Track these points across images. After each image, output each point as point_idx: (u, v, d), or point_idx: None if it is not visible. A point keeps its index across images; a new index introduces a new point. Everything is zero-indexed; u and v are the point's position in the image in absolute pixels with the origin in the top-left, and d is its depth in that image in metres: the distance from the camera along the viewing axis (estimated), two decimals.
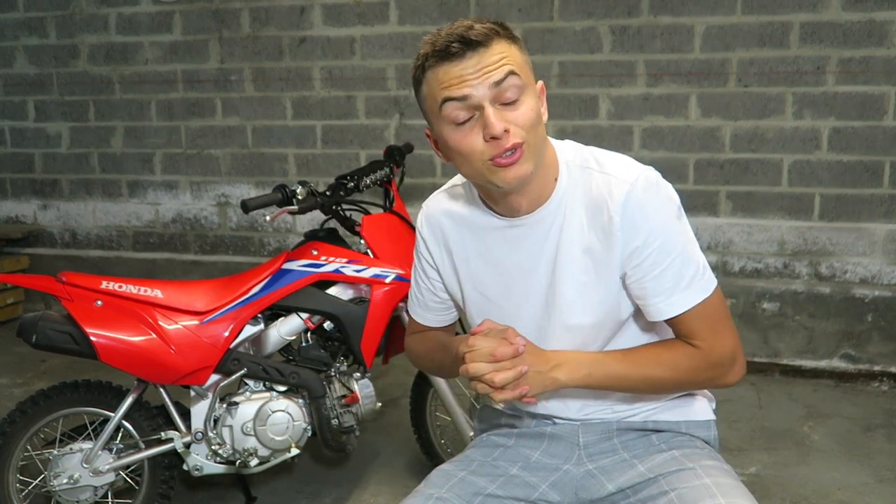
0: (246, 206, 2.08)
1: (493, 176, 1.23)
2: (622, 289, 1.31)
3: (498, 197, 1.32)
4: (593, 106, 3.72)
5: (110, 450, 2.27)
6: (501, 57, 1.19)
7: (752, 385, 3.51)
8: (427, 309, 1.55)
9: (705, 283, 1.29)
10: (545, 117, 1.27)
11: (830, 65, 3.44)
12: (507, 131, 1.19)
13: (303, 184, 2.21)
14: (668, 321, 1.30)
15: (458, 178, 1.45)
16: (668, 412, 1.43)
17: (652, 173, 1.28)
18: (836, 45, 3.42)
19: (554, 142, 1.36)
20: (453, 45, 1.17)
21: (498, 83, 1.18)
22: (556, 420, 1.45)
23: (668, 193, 1.29)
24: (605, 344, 1.37)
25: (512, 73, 1.19)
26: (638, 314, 1.36)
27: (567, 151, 1.34)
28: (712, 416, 1.47)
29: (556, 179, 1.32)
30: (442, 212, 1.44)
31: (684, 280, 1.27)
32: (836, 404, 3.30)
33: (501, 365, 1.21)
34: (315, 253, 2.28)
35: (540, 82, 1.29)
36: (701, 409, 1.46)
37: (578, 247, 1.30)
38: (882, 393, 3.45)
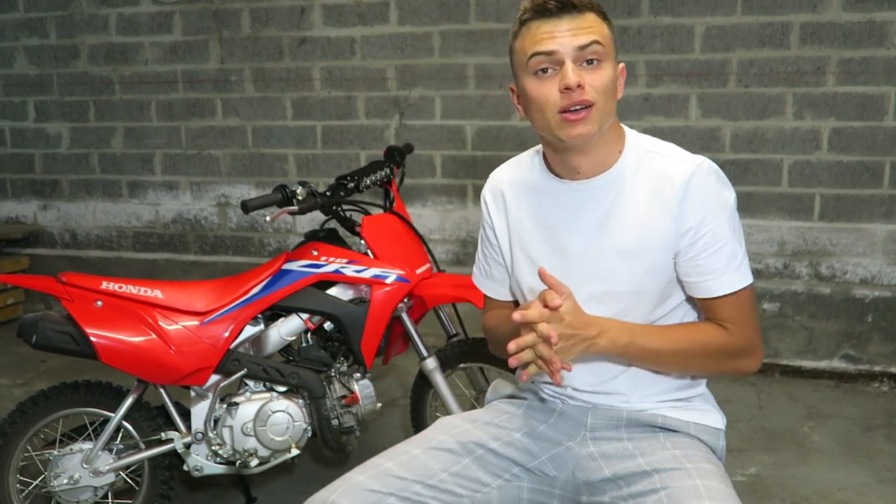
0: (246, 207, 2.08)
1: (560, 130, 1.31)
2: (670, 265, 1.37)
3: (561, 152, 1.38)
4: None
5: (110, 450, 2.26)
6: (591, 25, 1.29)
7: (753, 385, 3.51)
8: (493, 280, 1.58)
9: (748, 272, 1.38)
10: (620, 93, 1.37)
11: (830, 65, 3.44)
12: (580, 87, 1.27)
13: (303, 184, 2.21)
14: (710, 302, 1.37)
15: (523, 153, 1.54)
16: (680, 411, 1.43)
17: (713, 164, 1.37)
18: (836, 46, 3.42)
19: (626, 128, 1.44)
20: (550, 3, 1.28)
21: (583, 47, 1.27)
22: (569, 400, 1.47)
23: (727, 183, 1.38)
24: (641, 319, 1.40)
25: (597, 42, 1.28)
26: (675, 298, 1.42)
27: (638, 136, 1.43)
28: (722, 427, 1.47)
29: (620, 152, 1.39)
30: (505, 176, 1.53)
31: (734, 263, 1.35)
32: (837, 405, 3.30)
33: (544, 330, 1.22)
34: (315, 253, 2.28)
35: (622, 64, 1.39)
36: (713, 417, 1.47)
37: (633, 218, 1.36)
38: (882, 393, 3.45)
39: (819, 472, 2.70)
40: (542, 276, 1.27)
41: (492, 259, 1.57)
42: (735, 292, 1.35)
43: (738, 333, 1.37)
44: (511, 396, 1.58)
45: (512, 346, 1.24)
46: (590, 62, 1.29)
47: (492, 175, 1.57)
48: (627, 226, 1.36)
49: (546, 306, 1.24)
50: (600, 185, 1.38)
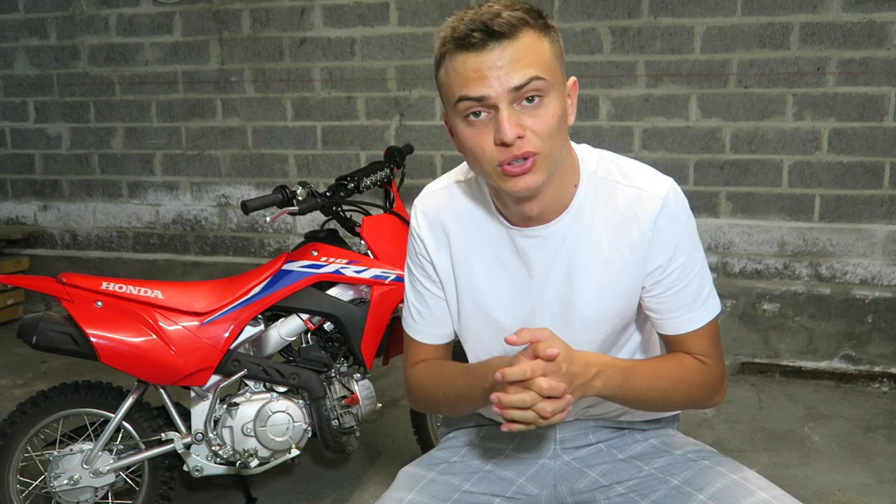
0: (246, 207, 2.08)
1: (502, 182, 1.14)
2: (635, 304, 1.28)
3: (509, 201, 1.22)
4: (593, 107, 3.72)
5: (110, 451, 2.26)
6: (525, 55, 1.07)
7: (753, 386, 3.51)
8: (436, 322, 1.36)
9: (715, 302, 1.29)
10: (571, 119, 1.18)
11: (831, 66, 3.44)
12: (520, 137, 1.09)
13: (303, 185, 2.21)
14: (678, 337, 1.28)
15: (462, 173, 1.34)
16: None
17: (676, 186, 1.25)
18: (836, 46, 3.42)
19: (575, 147, 1.26)
20: (474, 35, 1.07)
21: (518, 88, 1.08)
22: None
23: (688, 207, 1.26)
24: (599, 351, 1.32)
25: (535, 78, 1.08)
26: (630, 328, 1.34)
27: (590, 161, 1.26)
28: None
29: (575, 186, 1.23)
30: (444, 207, 1.32)
31: (701, 297, 1.26)
32: (837, 405, 3.30)
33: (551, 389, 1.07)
34: (315, 254, 2.28)
35: (571, 79, 1.18)
36: None
37: (597, 261, 1.24)
38: (882, 394, 3.45)
39: (819, 473, 2.70)
40: (514, 340, 1.09)
41: (430, 297, 1.34)
42: (703, 326, 1.26)
43: (713, 367, 1.28)
44: (467, 426, 1.47)
45: (514, 413, 1.07)
46: (530, 99, 1.10)
47: (422, 201, 1.34)
48: (593, 272, 1.24)
49: (537, 357, 1.08)
50: (558, 227, 1.23)
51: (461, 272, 1.31)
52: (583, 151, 1.28)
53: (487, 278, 1.29)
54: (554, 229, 1.24)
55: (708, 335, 1.27)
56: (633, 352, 1.37)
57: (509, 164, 1.12)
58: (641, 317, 1.33)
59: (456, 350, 1.42)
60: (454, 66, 1.10)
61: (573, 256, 1.24)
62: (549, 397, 1.07)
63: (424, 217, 1.33)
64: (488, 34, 1.07)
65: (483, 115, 1.11)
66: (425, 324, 1.37)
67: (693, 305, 1.25)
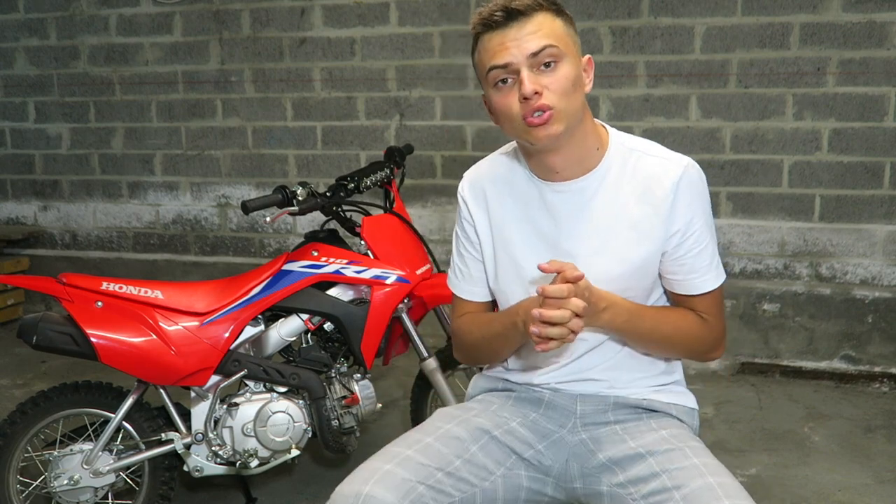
0: (246, 208, 2.08)
1: (527, 135, 1.32)
2: (657, 265, 1.42)
3: (536, 154, 1.39)
4: (593, 107, 3.72)
5: (111, 451, 2.26)
6: (540, 28, 1.29)
7: (753, 386, 3.51)
8: (473, 282, 1.55)
9: (722, 269, 1.46)
10: (588, 87, 1.37)
11: (831, 66, 3.44)
12: (538, 93, 1.28)
13: (303, 185, 2.21)
14: (690, 298, 1.43)
15: (506, 147, 1.54)
16: (661, 394, 1.49)
17: (695, 162, 1.42)
18: (836, 47, 3.42)
19: (602, 122, 1.45)
20: (496, 14, 1.30)
21: (535, 54, 1.28)
22: (555, 390, 1.49)
23: (705, 182, 1.43)
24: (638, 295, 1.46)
25: (549, 45, 1.29)
26: (655, 293, 1.47)
27: (621, 135, 1.44)
28: (697, 407, 1.55)
29: (598, 149, 1.40)
30: (485, 175, 1.51)
31: (715, 261, 1.43)
32: (837, 405, 3.30)
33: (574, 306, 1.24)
34: (315, 254, 2.28)
35: (587, 56, 1.39)
36: (688, 398, 1.54)
37: (624, 220, 1.38)
38: (882, 394, 3.45)
39: (819, 473, 2.70)
40: (545, 267, 1.26)
41: (470, 258, 1.54)
42: (715, 288, 1.43)
43: (714, 325, 1.45)
44: (495, 389, 1.58)
45: (551, 330, 1.23)
46: (547, 65, 1.30)
47: (469, 172, 1.56)
48: (620, 230, 1.39)
49: (567, 281, 1.25)
50: (586, 185, 1.40)
51: (497, 229, 1.49)
52: (611, 128, 1.46)
53: (519, 232, 1.46)
54: (582, 185, 1.40)
55: (714, 298, 1.44)
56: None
57: (532, 115, 1.30)
58: (658, 293, 1.48)
59: None
60: (483, 44, 1.34)
61: (600, 214, 1.40)
62: (577, 316, 1.25)
63: (469, 183, 1.53)
64: (508, 14, 1.29)
65: (509, 80, 1.32)
66: (465, 282, 1.56)
67: (709, 268, 1.42)
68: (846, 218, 3.54)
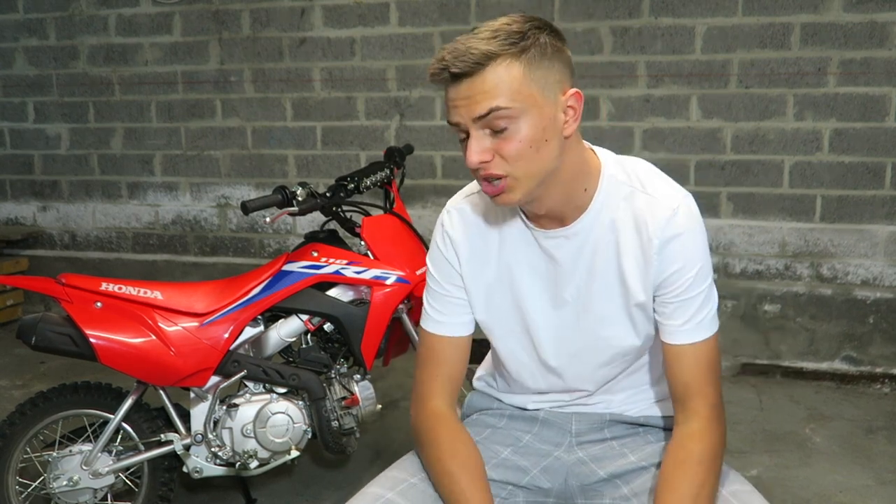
0: (246, 208, 2.08)
1: (489, 198, 1.24)
2: (651, 309, 1.31)
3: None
4: (594, 107, 3.72)
5: (110, 452, 2.26)
6: (492, 86, 1.13)
7: (753, 387, 3.51)
8: (452, 313, 1.41)
9: (713, 324, 1.30)
10: (569, 130, 1.20)
11: (832, 66, 3.44)
12: (486, 161, 1.18)
13: (303, 185, 2.21)
14: (670, 347, 1.29)
15: None
16: (660, 407, 1.45)
17: (691, 200, 1.28)
18: (837, 47, 3.42)
19: (597, 151, 1.32)
20: (442, 74, 1.16)
21: (480, 118, 1.15)
22: (550, 408, 1.46)
23: (702, 224, 1.29)
24: (631, 364, 1.38)
25: (496, 108, 1.14)
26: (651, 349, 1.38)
27: (610, 164, 1.30)
28: None
29: (585, 190, 1.27)
30: (470, 212, 1.38)
31: (703, 314, 1.28)
32: (838, 406, 3.30)
33: None
34: (315, 254, 2.27)
35: (571, 91, 1.20)
36: None
37: (615, 262, 1.29)
38: (884, 395, 3.45)
39: (820, 474, 2.70)
40: None
41: (453, 288, 1.40)
42: (694, 343, 1.28)
43: (708, 416, 1.27)
44: (489, 408, 1.54)
45: None
46: (497, 130, 1.16)
47: (452, 207, 1.41)
48: (612, 272, 1.30)
49: None
50: (578, 229, 1.29)
51: (482, 272, 1.37)
52: (604, 155, 1.32)
53: (508, 278, 1.36)
54: (575, 229, 1.29)
55: (697, 357, 1.28)
56: (641, 367, 1.41)
57: (484, 183, 1.21)
58: (657, 341, 1.35)
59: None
60: (445, 93, 1.20)
61: (594, 256, 1.30)
62: None
63: (451, 220, 1.40)
64: (452, 75, 1.15)
65: (465, 137, 1.20)
66: (448, 315, 1.41)
67: (692, 320, 1.27)
68: (847, 218, 3.54)
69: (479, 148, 1.17)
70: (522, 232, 1.35)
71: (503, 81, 1.14)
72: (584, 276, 1.31)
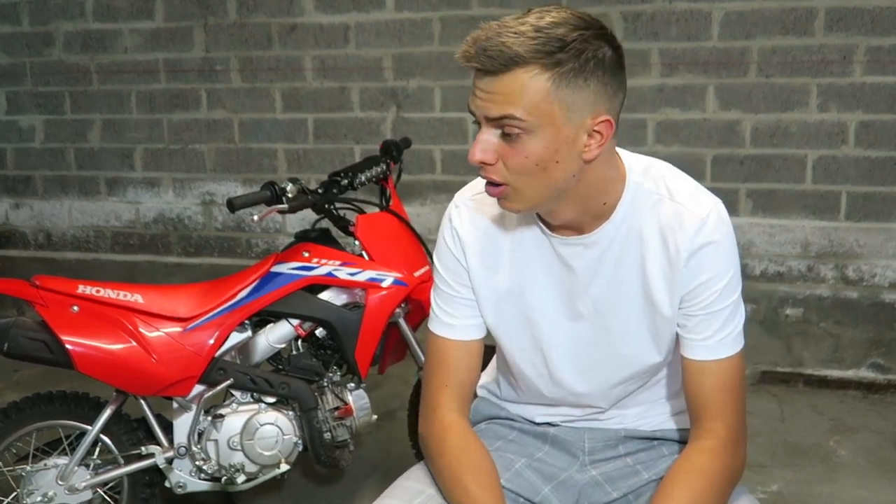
0: (232, 205, 2.08)
1: None
2: (672, 326, 1.31)
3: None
4: None
5: (87, 465, 2.27)
6: (511, 91, 1.12)
7: (774, 396, 3.51)
8: (468, 313, 1.40)
9: (738, 341, 1.30)
10: (589, 155, 1.18)
11: (858, 54, 3.44)
12: (489, 164, 1.18)
13: (293, 181, 2.21)
14: (690, 363, 1.29)
15: None
16: (676, 420, 1.45)
17: (722, 208, 1.28)
18: (863, 33, 3.42)
19: (624, 156, 1.30)
20: (471, 62, 1.14)
21: (492, 119, 1.16)
22: (561, 424, 1.47)
23: (733, 234, 1.28)
24: (648, 380, 1.39)
25: (510, 117, 1.13)
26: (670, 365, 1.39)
27: (636, 171, 1.29)
28: None
29: (605, 204, 1.26)
30: (480, 211, 1.37)
31: (726, 329, 1.28)
32: (865, 417, 3.30)
33: None
34: (306, 255, 2.28)
35: (603, 117, 1.17)
36: None
37: (638, 274, 1.29)
38: None
39: (845, 489, 2.70)
40: None
41: (460, 302, 1.39)
42: (717, 360, 1.28)
43: (726, 435, 1.27)
44: (498, 417, 1.55)
45: None
46: (508, 136, 1.16)
47: (462, 201, 1.39)
48: (633, 283, 1.29)
49: None
50: (598, 238, 1.28)
51: (494, 279, 1.37)
52: (630, 161, 1.31)
53: (523, 285, 1.35)
54: (595, 238, 1.28)
55: (721, 374, 1.28)
56: (658, 381, 1.42)
57: (485, 183, 1.22)
58: (677, 356, 1.36)
59: None
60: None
61: (616, 266, 1.29)
62: None
63: (460, 218, 1.38)
64: (482, 63, 1.13)
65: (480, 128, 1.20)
66: (460, 316, 1.39)
67: (716, 335, 1.27)
68: (874, 216, 3.54)
69: (484, 146, 1.18)
70: (537, 238, 1.33)
71: (524, 91, 1.12)
72: (603, 287, 1.31)
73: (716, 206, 1.27)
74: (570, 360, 1.37)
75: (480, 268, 1.37)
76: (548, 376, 1.40)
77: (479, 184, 1.37)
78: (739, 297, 1.29)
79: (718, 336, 1.27)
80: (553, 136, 1.15)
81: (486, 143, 1.17)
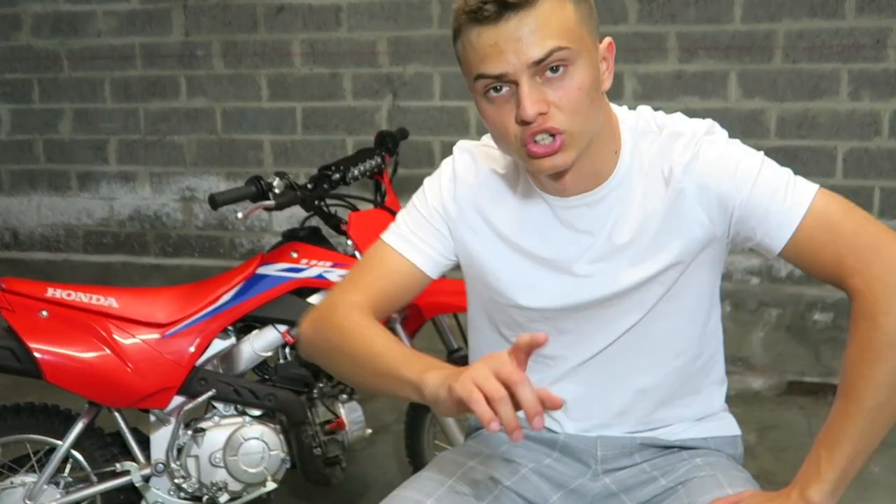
0: (214, 202, 2.09)
1: (527, 163, 1.24)
2: (678, 272, 1.31)
3: (541, 176, 1.31)
4: (618, 85, 3.72)
5: (57, 484, 2.27)
6: (546, 23, 1.13)
7: (802, 409, 3.51)
8: (423, 248, 1.41)
9: (807, 183, 1.27)
10: (607, 84, 1.25)
11: (892, 38, 3.44)
12: (543, 114, 1.16)
13: (280, 175, 2.22)
14: (790, 244, 1.24)
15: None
16: (695, 428, 1.46)
17: (712, 122, 1.32)
18: None
19: (617, 113, 1.34)
20: (486, 7, 1.13)
21: (538, 62, 1.14)
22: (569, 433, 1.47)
23: (725, 137, 1.32)
24: (651, 378, 1.40)
25: (557, 48, 1.14)
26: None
27: (628, 119, 1.33)
28: (739, 432, 1.52)
29: (616, 153, 1.30)
30: (486, 168, 1.39)
31: (790, 188, 1.24)
32: None
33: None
34: (295, 255, 2.28)
35: (606, 40, 1.25)
36: (728, 424, 1.50)
37: (639, 220, 1.30)
38: None
39: None
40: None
41: (431, 230, 1.41)
42: (806, 212, 1.22)
43: (860, 284, 1.20)
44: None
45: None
46: (554, 69, 1.15)
47: (467, 148, 1.43)
48: (634, 234, 1.30)
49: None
50: (603, 195, 1.31)
51: (491, 243, 1.38)
52: (621, 112, 1.35)
53: (519, 249, 1.37)
54: (599, 195, 1.30)
55: (821, 220, 1.23)
56: (675, 379, 1.42)
57: (534, 142, 1.18)
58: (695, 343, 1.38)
59: None
60: (470, 40, 1.18)
61: (618, 220, 1.31)
62: None
63: (465, 163, 1.41)
64: (502, 4, 1.12)
65: (504, 89, 1.18)
66: (411, 243, 1.40)
67: (783, 202, 1.23)
68: None
69: (535, 97, 1.15)
70: (540, 209, 1.35)
71: (561, 18, 1.15)
72: (605, 246, 1.32)
73: (705, 122, 1.32)
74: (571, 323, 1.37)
75: (471, 232, 1.39)
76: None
77: (485, 139, 1.41)
78: (772, 167, 1.27)
79: (786, 192, 1.24)
80: (590, 60, 1.19)
81: (535, 93, 1.15)
